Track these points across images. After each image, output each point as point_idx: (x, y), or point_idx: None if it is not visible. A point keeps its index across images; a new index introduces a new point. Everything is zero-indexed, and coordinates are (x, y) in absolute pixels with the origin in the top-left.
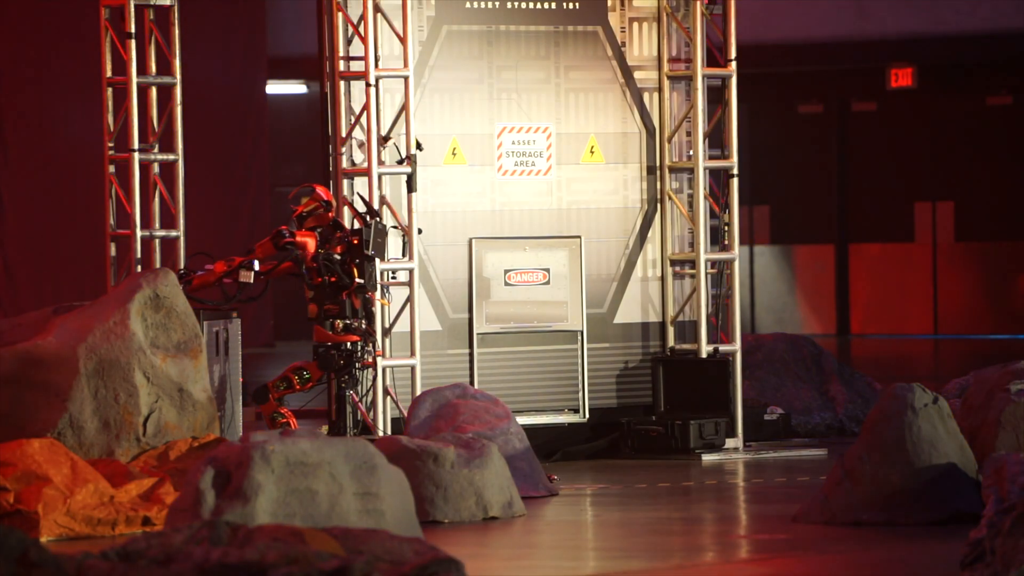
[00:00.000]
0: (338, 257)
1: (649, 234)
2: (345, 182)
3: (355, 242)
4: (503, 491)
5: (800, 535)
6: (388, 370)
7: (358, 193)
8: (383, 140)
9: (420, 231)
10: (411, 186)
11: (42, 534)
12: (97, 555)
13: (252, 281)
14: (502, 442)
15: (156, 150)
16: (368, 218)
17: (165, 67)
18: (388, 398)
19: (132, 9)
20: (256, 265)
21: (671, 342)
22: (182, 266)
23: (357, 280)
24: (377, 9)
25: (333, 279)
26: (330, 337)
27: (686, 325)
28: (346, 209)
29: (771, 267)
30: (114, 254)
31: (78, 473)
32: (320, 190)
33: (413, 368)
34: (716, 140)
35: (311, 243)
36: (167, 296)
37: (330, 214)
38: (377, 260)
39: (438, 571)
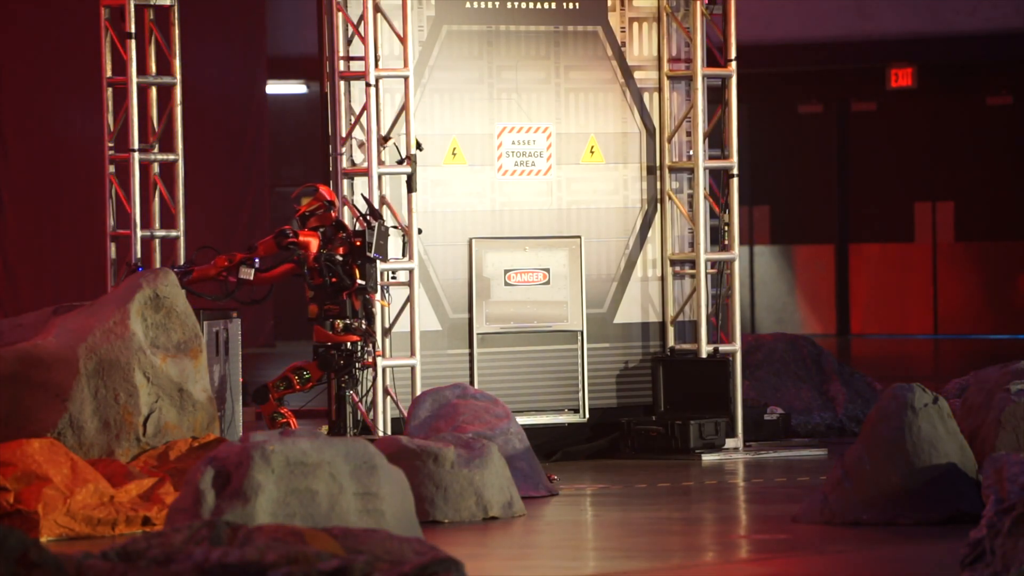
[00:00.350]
0: (340, 258)
1: (649, 234)
2: (345, 182)
3: (358, 244)
4: (503, 491)
5: (800, 535)
6: (388, 370)
7: (362, 194)
8: (383, 140)
9: (420, 231)
10: (411, 186)
11: (42, 534)
12: (97, 555)
13: (252, 278)
14: (502, 442)
15: (156, 150)
16: (371, 220)
17: (165, 67)
18: (388, 398)
19: (132, 9)
20: (257, 262)
21: (671, 342)
22: (181, 260)
23: (359, 281)
24: (377, 9)
25: (334, 280)
26: (330, 337)
27: (686, 325)
28: (346, 209)
29: (771, 267)
30: (114, 255)
31: (78, 473)
32: (323, 190)
33: (413, 368)
34: (716, 140)
35: (314, 243)
36: (167, 296)
37: (333, 214)
38: (378, 262)
39: (438, 571)
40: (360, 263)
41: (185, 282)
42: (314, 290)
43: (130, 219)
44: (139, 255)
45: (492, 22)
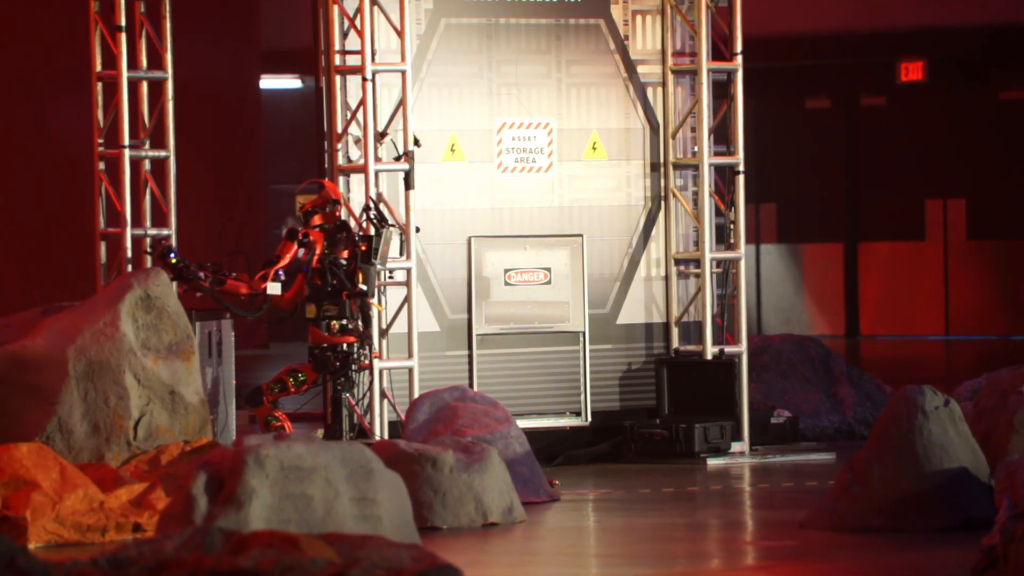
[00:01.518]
0: (344, 262)
1: (653, 232)
2: (341, 179)
3: (363, 248)
4: (503, 496)
5: (807, 541)
6: (385, 372)
7: (371, 198)
8: (380, 136)
9: (418, 229)
10: (408, 183)
11: (30, 540)
12: (86, 562)
13: (280, 292)
14: (502, 446)
15: (147, 146)
16: (380, 226)
17: (156, 61)
18: (385, 401)
19: (122, 2)
20: (283, 275)
21: (675, 343)
22: (185, 264)
23: (360, 286)
24: (374, 2)
25: (335, 282)
26: (326, 338)
27: (691, 326)
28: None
29: (778, 266)
30: (104, 254)
31: (67, 478)
32: (329, 187)
33: (411, 370)
34: (721, 136)
35: (319, 243)
36: (158, 296)
37: (337, 212)
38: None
39: None
40: (364, 268)
41: (217, 291)
42: (313, 290)
43: (120, 217)
44: (129, 255)
45: (491, 15)
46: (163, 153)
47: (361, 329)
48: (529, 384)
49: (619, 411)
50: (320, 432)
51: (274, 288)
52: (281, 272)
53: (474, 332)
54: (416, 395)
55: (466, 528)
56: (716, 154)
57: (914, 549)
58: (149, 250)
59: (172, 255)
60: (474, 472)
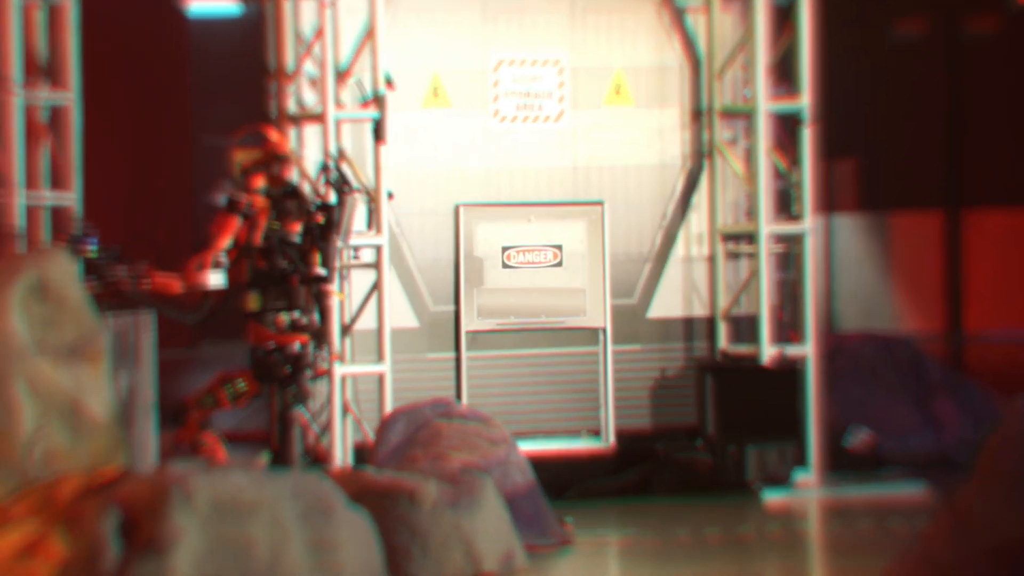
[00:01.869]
0: (295, 238)
1: (694, 200)
2: (293, 131)
3: (320, 220)
4: (500, 540)
5: None
6: (349, 380)
7: (331, 155)
8: (342, 76)
9: (391, 196)
10: (379, 135)
11: None
12: None
13: (225, 283)
14: (499, 476)
15: (44, 88)
16: (342, 191)
17: None
18: (349, 418)
19: None
20: (225, 260)
21: (723, 343)
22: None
23: (318, 270)
24: None
25: (286, 263)
26: (272, 337)
27: (742, 321)
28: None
29: (857, 243)
30: None
31: None
32: (273, 137)
33: (382, 377)
34: (783, 74)
35: (263, 213)
36: (57, 282)
37: (285, 172)
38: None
39: None
40: (322, 247)
41: (144, 292)
42: (255, 274)
43: (8, 179)
44: (21, 227)
45: None
46: (64, 96)
47: (317, 325)
48: (534, 396)
49: (650, 431)
50: (265, 458)
51: (215, 279)
52: (224, 256)
53: (463, 329)
54: (389, 410)
55: None
56: (775, 97)
57: None
58: (58, 236)
59: (92, 245)
60: (462, 510)
